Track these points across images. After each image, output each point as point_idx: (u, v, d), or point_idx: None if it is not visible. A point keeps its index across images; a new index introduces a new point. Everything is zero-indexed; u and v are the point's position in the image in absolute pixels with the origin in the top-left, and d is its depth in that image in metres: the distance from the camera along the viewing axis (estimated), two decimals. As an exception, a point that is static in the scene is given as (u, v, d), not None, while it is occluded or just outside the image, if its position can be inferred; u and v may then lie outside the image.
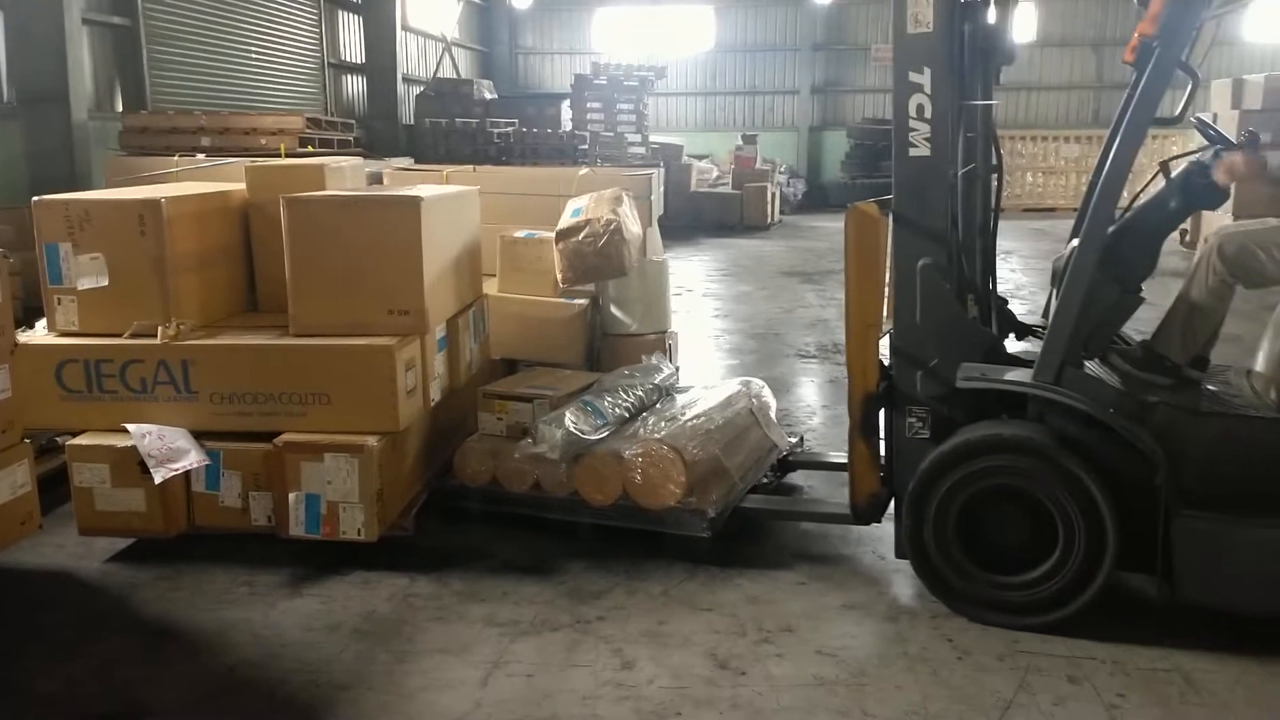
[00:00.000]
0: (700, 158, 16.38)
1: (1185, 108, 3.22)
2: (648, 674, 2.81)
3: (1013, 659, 2.88)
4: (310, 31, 13.25)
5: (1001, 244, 12.95)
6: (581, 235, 4.47)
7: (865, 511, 3.41)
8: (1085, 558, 2.94)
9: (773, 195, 15.34)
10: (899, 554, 3.30)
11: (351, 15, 14.29)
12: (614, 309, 4.87)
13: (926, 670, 2.83)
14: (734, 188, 15.45)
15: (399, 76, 14.40)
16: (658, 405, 4.02)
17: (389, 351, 3.44)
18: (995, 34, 3.36)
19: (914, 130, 3.16)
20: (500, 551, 3.60)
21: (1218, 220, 5.11)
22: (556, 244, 4.52)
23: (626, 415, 3.84)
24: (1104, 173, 3.01)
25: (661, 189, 6.96)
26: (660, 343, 5.01)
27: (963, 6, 3.18)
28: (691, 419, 3.77)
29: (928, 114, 3.13)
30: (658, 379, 4.19)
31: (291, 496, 3.39)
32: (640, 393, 4.00)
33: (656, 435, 3.61)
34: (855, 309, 3.30)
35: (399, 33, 14.48)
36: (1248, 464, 2.95)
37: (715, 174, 16.29)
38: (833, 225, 15.10)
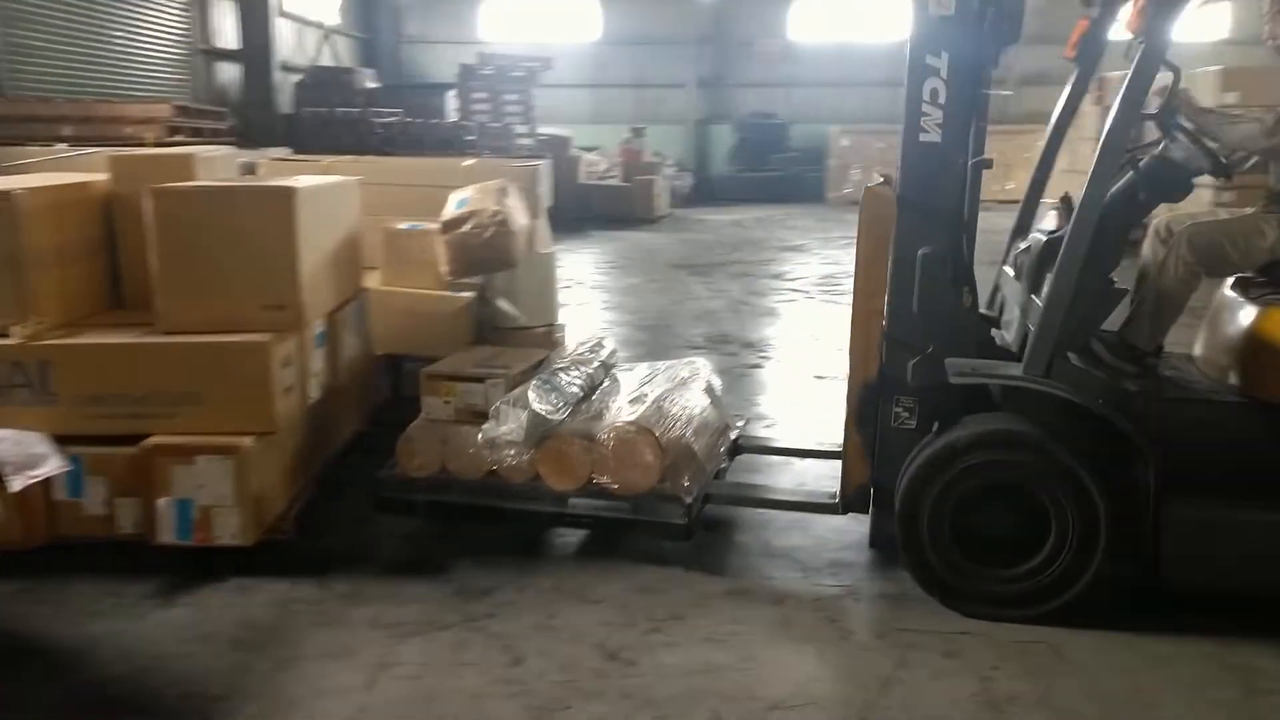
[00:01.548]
0: (589, 150, 16.35)
1: (1167, 103, 3.22)
2: (537, 669, 2.80)
3: (893, 637, 2.97)
4: (180, 15, 12.69)
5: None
6: (467, 227, 4.40)
7: (854, 502, 3.35)
8: (1079, 547, 2.98)
9: (661, 188, 15.43)
10: (874, 544, 3.36)
11: None
12: (501, 302, 4.82)
13: (811, 651, 2.90)
14: (623, 180, 15.47)
15: (276, 64, 13.92)
16: (606, 384, 3.86)
17: (264, 348, 3.32)
18: (1009, 19, 3.24)
19: (926, 115, 3.08)
20: (386, 552, 3.53)
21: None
22: (441, 236, 4.45)
23: (581, 395, 3.64)
24: (1092, 168, 2.97)
25: (549, 180, 6.91)
26: (549, 336, 4.98)
27: None
28: (656, 399, 3.61)
29: (942, 99, 3.06)
30: (603, 355, 4.04)
31: (161, 502, 3.25)
32: (591, 370, 3.80)
33: (628, 416, 3.44)
34: (862, 295, 3.20)
35: (275, 18, 13.99)
36: (1219, 447, 3.04)
37: (604, 166, 16.29)
38: (721, 218, 15.30)
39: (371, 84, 14.73)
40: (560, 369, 3.70)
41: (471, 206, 4.45)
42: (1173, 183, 3.11)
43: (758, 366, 6.27)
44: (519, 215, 4.64)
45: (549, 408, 3.43)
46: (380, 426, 4.55)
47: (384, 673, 2.78)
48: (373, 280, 4.54)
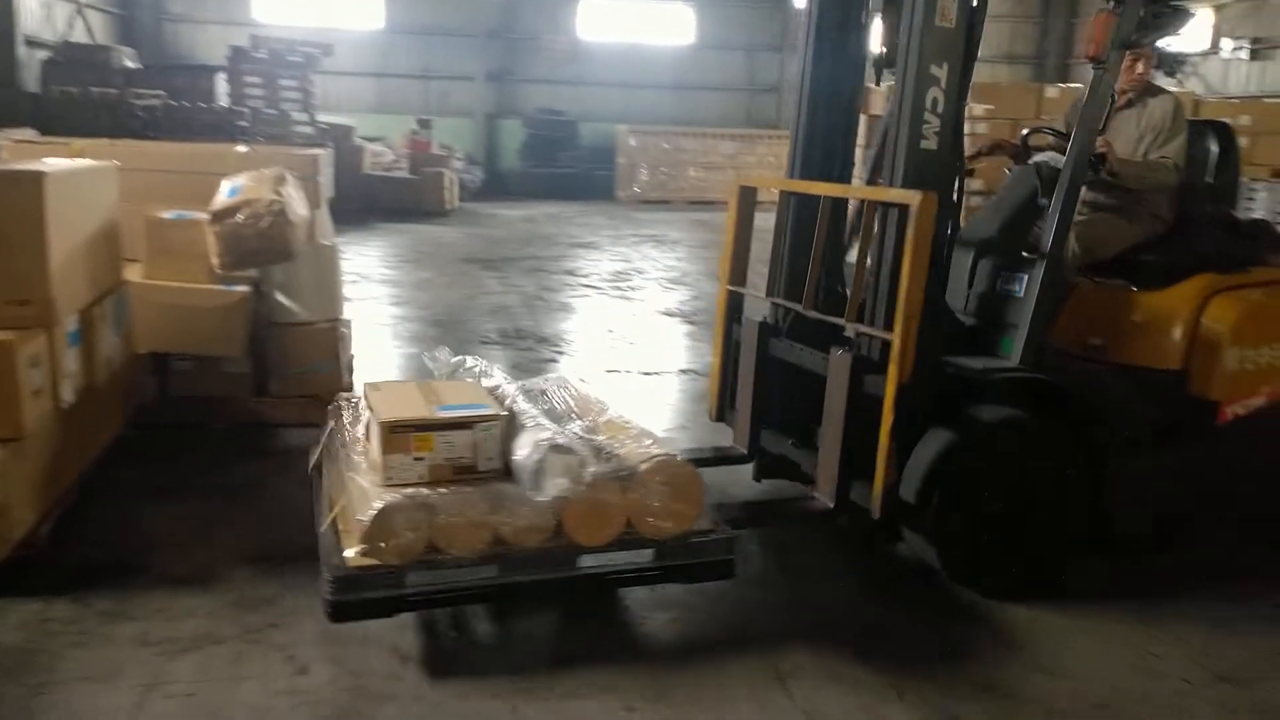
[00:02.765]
0: (373, 140, 15.84)
1: (1107, 119, 3.52)
2: (325, 677, 2.69)
3: (687, 619, 3.04)
4: (-101, -22, 11.33)
5: (669, 234, 13.62)
6: (241, 216, 4.16)
7: (887, 506, 3.16)
8: (1075, 513, 3.31)
9: (451, 181, 15.18)
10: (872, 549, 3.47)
11: (-45, -36, 12.37)
12: (280, 296, 4.59)
13: (609, 633, 2.92)
14: (411, 173, 15.11)
15: (19, 38, 12.67)
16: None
17: (7, 348, 3.01)
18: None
19: (928, 124, 3.15)
20: (155, 564, 3.28)
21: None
22: (212, 226, 4.18)
23: None
24: (1065, 182, 3.35)
25: (331, 171, 6.65)
26: (333, 331, 4.80)
27: (974, 8, 3.22)
28: (636, 427, 3.18)
29: (940, 109, 3.15)
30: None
31: (-116, 520, 2.89)
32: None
33: (655, 448, 3.00)
34: (908, 298, 3.06)
35: (17, -12, 12.73)
36: (1115, 406, 3.53)
37: (390, 158, 15.84)
38: (513, 213, 15.23)
39: (131, 63, 13.67)
40: (525, 400, 3.22)
41: (245, 195, 4.21)
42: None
43: (553, 361, 6.29)
44: (298, 205, 4.44)
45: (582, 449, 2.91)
46: (145, 429, 4.26)
47: (154, 692, 2.58)
48: (135, 273, 4.22)
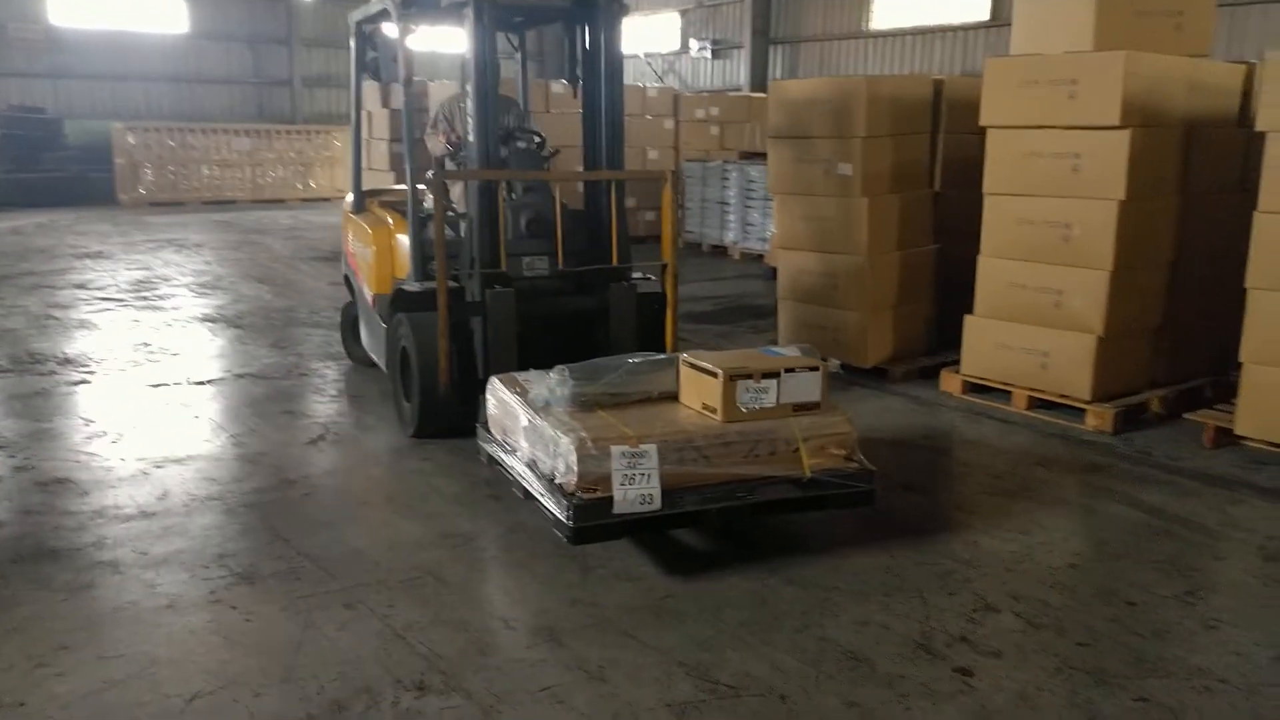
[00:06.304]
0: None
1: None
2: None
3: (295, 605, 3.14)
4: None
5: (189, 237, 12.94)
6: None
7: None
8: None
9: (-98, 193, 12.83)
10: None
11: None
12: None
13: (219, 641, 2.94)
14: None
15: None
16: None
17: None
18: None
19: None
20: None
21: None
22: None
23: None
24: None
25: None
26: None
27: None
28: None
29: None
30: None
31: None
32: None
33: None
34: (674, 237, 4.68)
35: None
36: None
37: None
38: (-4, 225, 13.25)
39: None
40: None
41: None
42: None
43: (84, 382, 5.77)
44: None
45: None
46: None
47: None
48: None
